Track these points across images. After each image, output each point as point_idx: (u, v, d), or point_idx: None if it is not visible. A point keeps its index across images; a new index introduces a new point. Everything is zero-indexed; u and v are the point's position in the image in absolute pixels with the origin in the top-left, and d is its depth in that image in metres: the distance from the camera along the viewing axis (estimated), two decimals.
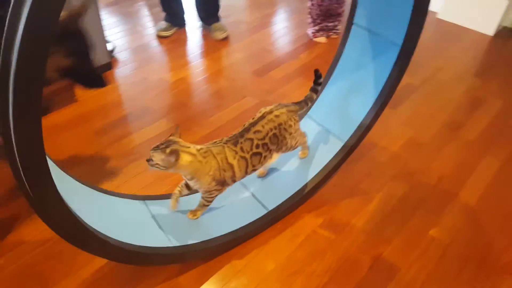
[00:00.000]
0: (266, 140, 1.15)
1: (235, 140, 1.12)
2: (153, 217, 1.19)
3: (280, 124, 1.17)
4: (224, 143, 1.11)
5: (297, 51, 2.33)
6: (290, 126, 1.21)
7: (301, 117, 1.44)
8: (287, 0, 2.96)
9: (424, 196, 1.43)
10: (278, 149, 1.22)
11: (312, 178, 1.35)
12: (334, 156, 1.37)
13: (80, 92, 1.89)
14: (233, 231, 1.21)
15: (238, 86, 2.01)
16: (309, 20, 2.44)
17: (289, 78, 2.07)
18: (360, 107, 1.34)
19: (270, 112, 1.18)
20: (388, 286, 1.17)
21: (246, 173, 1.16)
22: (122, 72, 2.11)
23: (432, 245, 1.28)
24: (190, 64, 2.21)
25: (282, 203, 1.30)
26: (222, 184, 1.14)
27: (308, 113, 1.49)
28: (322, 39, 2.42)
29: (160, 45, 2.36)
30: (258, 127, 1.14)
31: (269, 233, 1.29)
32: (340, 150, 1.37)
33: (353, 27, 1.35)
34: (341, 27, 2.43)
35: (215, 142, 1.12)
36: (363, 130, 1.34)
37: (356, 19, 1.34)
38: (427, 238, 1.30)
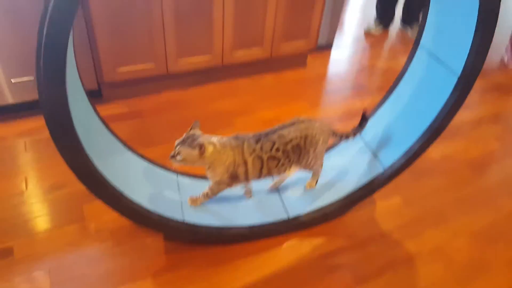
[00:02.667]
0: (288, 148, 1.11)
1: (257, 138, 1.11)
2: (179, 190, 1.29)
3: (306, 136, 1.13)
4: (246, 139, 1.11)
5: (488, 70, 2.51)
6: (317, 142, 1.15)
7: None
8: None
9: None
10: (298, 162, 1.18)
11: (345, 196, 1.33)
12: (372, 179, 1.31)
13: (310, 59, 2.40)
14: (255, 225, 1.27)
15: None
16: (509, 45, 2.60)
17: (482, 89, 2.29)
18: (410, 133, 1.24)
19: (302, 122, 1.14)
20: None
21: (261, 174, 1.14)
22: (338, 53, 2.57)
23: None
24: (390, 57, 2.58)
25: (306, 214, 1.31)
26: (234, 178, 1.14)
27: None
28: None
29: (367, 40, 2.78)
30: (284, 131, 1.11)
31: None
32: (380, 174, 1.30)
33: (419, 49, 1.28)
34: None
35: (237, 137, 1.12)
36: (409, 157, 1.24)
37: (422, 41, 1.26)
38: None
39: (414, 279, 1.23)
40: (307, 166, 1.21)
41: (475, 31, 0.98)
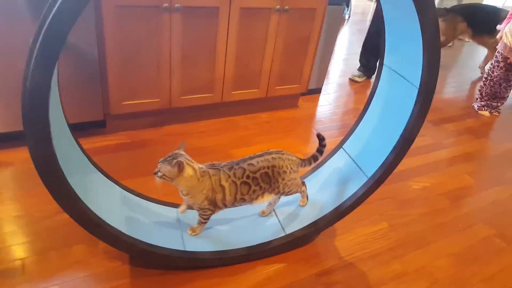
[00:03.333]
0: (257, 175, 1.22)
1: (230, 166, 1.22)
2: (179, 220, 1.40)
3: (274, 167, 1.24)
4: (221, 167, 1.21)
5: (463, 116, 2.78)
6: (284, 172, 1.26)
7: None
8: (459, 73, 3.53)
9: None
10: (271, 190, 1.28)
11: (335, 208, 1.42)
12: (357, 189, 1.40)
13: (301, 101, 2.61)
14: (249, 246, 1.36)
15: None
16: (477, 95, 2.90)
17: (456, 132, 2.54)
18: (385, 144, 1.33)
19: (270, 153, 1.26)
20: None
21: (235, 199, 1.23)
22: (325, 97, 2.81)
23: None
24: None
25: (300, 229, 1.42)
26: (214, 205, 1.24)
27: (343, 146, 1.56)
28: (485, 113, 2.84)
29: (351, 86, 3.05)
30: (253, 161, 1.23)
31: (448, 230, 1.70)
32: (364, 184, 1.38)
33: (383, 68, 1.42)
34: (502, 108, 2.85)
35: (214, 164, 1.22)
36: (387, 166, 1.32)
37: (385, 61, 1.40)
38: None
39: None
40: (282, 193, 1.32)
41: (423, 51, 1.13)
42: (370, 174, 1.37)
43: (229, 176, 1.20)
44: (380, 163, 1.33)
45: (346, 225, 1.59)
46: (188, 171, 1.14)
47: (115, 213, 1.28)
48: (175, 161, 1.11)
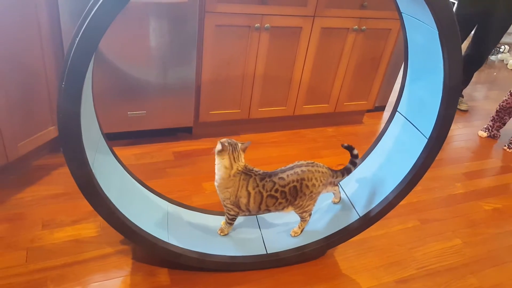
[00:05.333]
0: (286, 189, 1.22)
1: (263, 176, 1.23)
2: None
3: (302, 179, 1.22)
4: (255, 175, 1.23)
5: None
6: (313, 185, 1.24)
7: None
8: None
9: None
10: (295, 203, 1.27)
11: (403, 178, 1.34)
12: (421, 153, 1.30)
13: (366, 118, 2.71)
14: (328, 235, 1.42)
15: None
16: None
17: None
18: (434, 98, 1.23)
19: (300, 166, 1.25)
20: None
21: (259, 209, 1.25)
22: (388, 115, 2.88)
23: None
24: None
25: (373, 208, 1.38)
26: (237, 206, 1.26)
27: (398, 109, 1.49)
28: (482, 134, 2.74)
29: None
30: (283, 175, 1.23)
31: None
32: (425, 146, 1.29)
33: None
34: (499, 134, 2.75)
35: (251, 170, 1.24)
36: (442, 122, 1.21)
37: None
38: None
39: None
40: (301, 208, 1.31)
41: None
42: (428, 135, 1.27)
43: (257, 186, 1.22)
44: (434, 120, 1.23)
45: (422, 239, 1.67)
46: (225, 162, 1.19)
47: (196, 238, 1.40)
48: (221, 146, 1.18)
